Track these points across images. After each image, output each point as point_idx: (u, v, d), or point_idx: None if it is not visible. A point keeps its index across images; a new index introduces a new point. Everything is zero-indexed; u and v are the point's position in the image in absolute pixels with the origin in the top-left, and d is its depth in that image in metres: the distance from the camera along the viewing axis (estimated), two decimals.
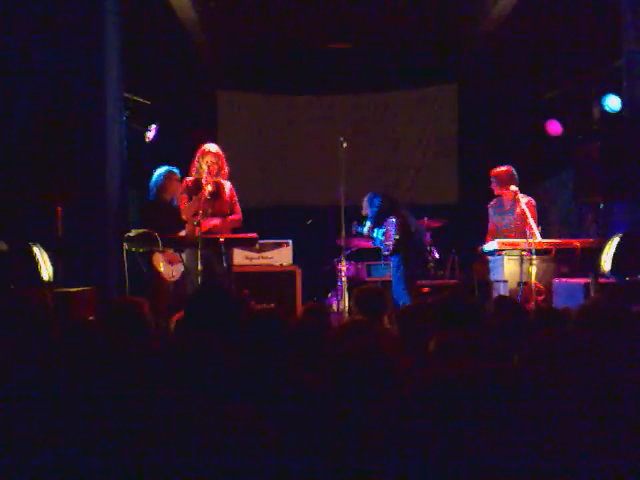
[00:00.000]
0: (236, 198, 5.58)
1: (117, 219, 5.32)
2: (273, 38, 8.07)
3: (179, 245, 5.27)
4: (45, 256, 4.27)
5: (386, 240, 6.30)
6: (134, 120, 6.20)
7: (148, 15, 6.72)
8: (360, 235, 6.85)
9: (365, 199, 6.65)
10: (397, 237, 6.14)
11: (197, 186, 5.36)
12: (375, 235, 6.51)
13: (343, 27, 7.93)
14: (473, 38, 7.84)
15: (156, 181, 5.82)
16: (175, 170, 5.78)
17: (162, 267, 5.66)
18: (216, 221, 5.40)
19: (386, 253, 6.31)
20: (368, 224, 6.59)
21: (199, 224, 4.96)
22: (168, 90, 7.72)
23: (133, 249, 5.05)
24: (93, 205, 5.01)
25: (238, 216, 5.56)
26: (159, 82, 7.47)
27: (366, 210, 6.66)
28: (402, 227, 6.18)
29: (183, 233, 5.44)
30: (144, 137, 6.42)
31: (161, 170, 5.84)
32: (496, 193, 5.95)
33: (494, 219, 5.95)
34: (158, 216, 5.59)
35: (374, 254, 7.03)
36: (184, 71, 8.05)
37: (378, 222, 6.41)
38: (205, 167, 5.31)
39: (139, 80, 6.48)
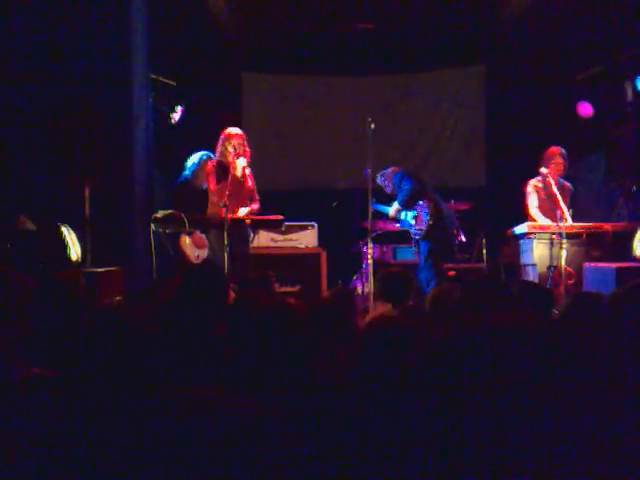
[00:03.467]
0: (254, 186, 5.53)
1: (144, 200, 5.34)
2: (298, 19, 7.99)
3: (205, 226, 5.28)
4: (74, 237, 4.30)
5: (417, 225, 6.18)
6: (160, 101, 6.20)
7: None
8: (380, 215, 6.70)
9: (388, 175, 6.46)
10: (430, 222, 6.03)
11: (223, 168, 5.34)
12: (403, 218, 6.40)
13: (369, 7, 7.83)
14: (502, 19, 7.70)
15: (193, 164, 5.88)
16: (212, 156, 5.79)
17: (187, 249, 5.70)
18: (244, 210, 5.37)
19: (417, 237, 6.20)
20: (395, 206, 6.44)
21: (226, 205, 4.95)
22: (193, 72, 7.70)
23: (160, 230, 5.07)
24: (120, 186, 5.03)
25: (258, 205, 5.51)
26: (184, 64, 7.45)
27: (384, 184, 6.47)
28: (434, 211, 6.07)
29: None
30: (170, 118, 6.42)
31: (200, 154, 5.88)
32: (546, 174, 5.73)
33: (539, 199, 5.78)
34: (188, 198, 5.62)
35: (400, 237, 6.96)
36: (209, 53, 8.01)
37: (408, 206, 6.27)
38: (232, 150, 5.30)
39: (165, 62, 6.46)
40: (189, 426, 1.42)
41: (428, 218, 6.03)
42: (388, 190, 6.49)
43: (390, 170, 6.50)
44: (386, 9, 7.86)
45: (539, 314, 2.07)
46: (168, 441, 1.40)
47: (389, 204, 6.54)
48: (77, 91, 4.83)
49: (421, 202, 6.16)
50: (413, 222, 6.22)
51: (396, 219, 6.53)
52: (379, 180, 6.47)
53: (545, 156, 5.78)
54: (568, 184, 5.74)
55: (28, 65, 4.76)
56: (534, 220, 5.62)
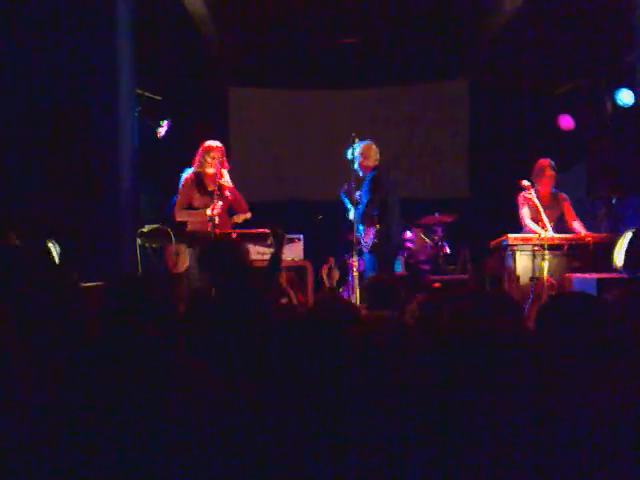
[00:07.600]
0: (241, 197, 5.53)
1: (130, 215, 5.35)
2: (284, 33, 8.06)
3: (192, 240, 5.29)
4: (60, 251, 4.30)
5: (365, 237, 6.14)
6: (146, 116, 6.23)
7: (159, 11, 6.73)
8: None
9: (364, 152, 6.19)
10: (376, 241, 6.02)
11: (201, 180, 5.36)
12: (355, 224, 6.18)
13: (353, 22, 7.92)
14: (484, 33, 7.81)
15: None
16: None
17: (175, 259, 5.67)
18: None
19: (365, 250, 6.15)
20: (351, 215, 6.24)
21: (212, 220, 4.98)
22: (179, 86, 7.74)
23: (146, 244, 5.09)
24: (106, 201, 5.04)
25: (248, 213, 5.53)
26: (170, 78, 7.48)
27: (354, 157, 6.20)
28: (385, 232, 6.03)
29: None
30: (156, 133, 6.44)
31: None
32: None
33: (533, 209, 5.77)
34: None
35: None
36: (195, 67, 8.06)
37: (367, 224, 6.13)
38: (211, 161, 5.32)
39: (151, 76, 6.49)
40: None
41: (373, 237, 6.01)
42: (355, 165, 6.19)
43: (366, 147, 6.16)
44: (369, 24, 7.96)
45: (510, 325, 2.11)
46: (170, 438, 1.42)
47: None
48: (63, 106, 4.85)
49: (377, 225, 6.06)
50: (363, 234, 6.13)
51: (348, 218, 6.33)
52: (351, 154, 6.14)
53: (535, 169, 5.78)
54: (563, 194, 5.77)
55: (12, 80, 4.78)
56: (531, 231, 5.60)
